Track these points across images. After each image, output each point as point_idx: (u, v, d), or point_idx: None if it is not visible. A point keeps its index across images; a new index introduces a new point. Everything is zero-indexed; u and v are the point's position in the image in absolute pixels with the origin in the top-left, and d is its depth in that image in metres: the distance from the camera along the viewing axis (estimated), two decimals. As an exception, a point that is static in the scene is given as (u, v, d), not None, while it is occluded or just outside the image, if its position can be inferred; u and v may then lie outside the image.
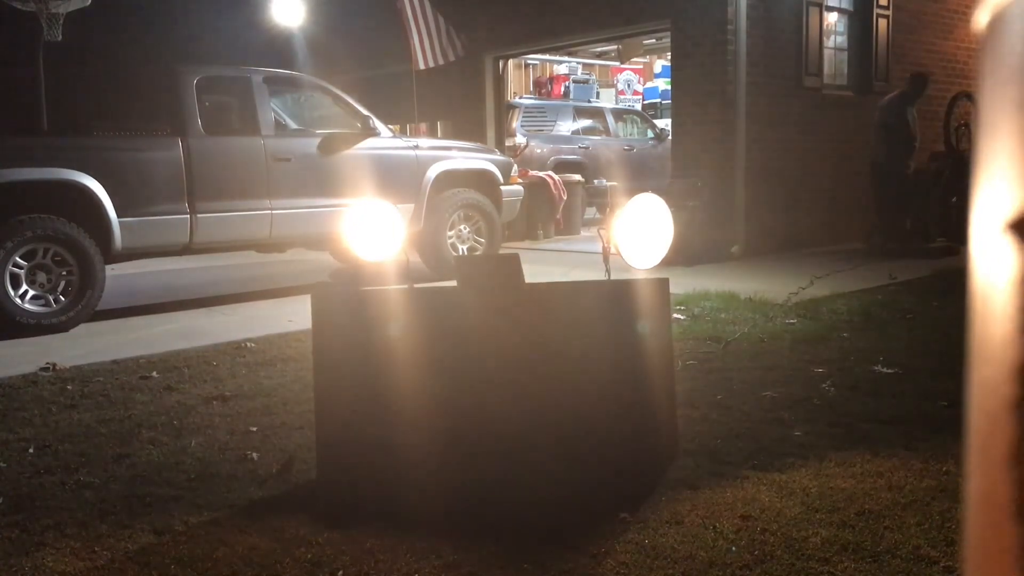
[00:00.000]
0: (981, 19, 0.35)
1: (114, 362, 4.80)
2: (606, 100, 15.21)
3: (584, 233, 11.09)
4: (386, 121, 7.83)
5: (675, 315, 5.23)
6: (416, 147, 7.69)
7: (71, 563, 2.43)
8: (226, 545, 2.58)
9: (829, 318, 5.46)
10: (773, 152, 8.98)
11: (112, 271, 6.50)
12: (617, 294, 3.24)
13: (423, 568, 2.41)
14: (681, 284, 6.31)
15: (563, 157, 12.25)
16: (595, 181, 12.03)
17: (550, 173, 11.18)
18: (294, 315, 5.92)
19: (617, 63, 16.24)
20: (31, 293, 5.65)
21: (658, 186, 10.36)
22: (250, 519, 2.74)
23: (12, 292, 5.55)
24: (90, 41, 11.01)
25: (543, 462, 3.02)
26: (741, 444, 3.22)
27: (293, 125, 7.88)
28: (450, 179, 7.76)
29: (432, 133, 13.45)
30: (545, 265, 7.94)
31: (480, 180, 8.00)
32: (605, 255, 3.43)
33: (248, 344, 5.16)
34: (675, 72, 9.21)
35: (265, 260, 8.87)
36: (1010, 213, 0.32)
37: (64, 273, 5.76)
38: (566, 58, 15.15)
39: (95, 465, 3.19)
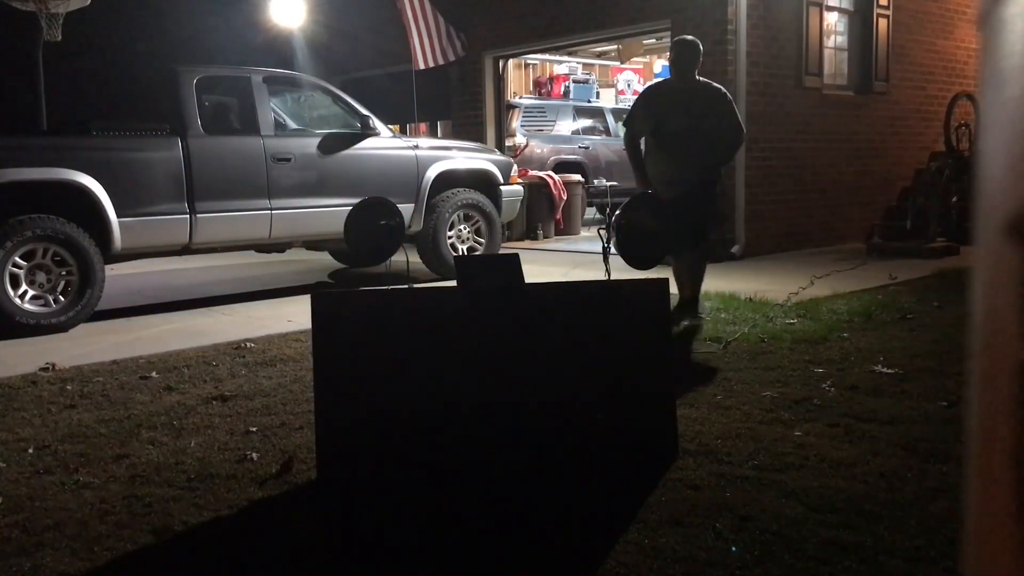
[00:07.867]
0: (981, 19, 0.35)
1: (114, 362, 4.79)
2: (606, 100, 15.19)
3: (584, 233, 11.10)
4: (386, 121, 7.83)
5: (675, 315, 5.22)
6: (416, 147, 7.69)
7: (71, 563, 2.43)
8: (226, 545, 2.58)
9: (829, 318, 5.46)
10: (773, 152, 8.97)
11: (112, 271, 6.49)
12: (616, 294, 3.25)
13: (424, 569, 2.41)
14: (681, 284, 6.30)
15: (563, 157, 12.25)
16: (595, 181, 12.02)
17: (550, 173, 11.19)
18: (294, 315, 5.93)
19: (617, 63, 16.23)
20: (31, 293, 5.65)
21: (658, 186, 10.33)
22: (250, 519, 2.74)
23: (12, 292, 5.54)
24: (90, 41, 11.00)
25: (543, 462, 3.03)
26: (741, 444, 3.21)
27: (293, 125, 7.88)
28: (450, 179, 7.76)
29: (432, 133, 13.45)
30: (545, 265, 7.94)
31: (480, 180, 8.00)
32: (605, 255, 3.43)
33: (248, 344, 5.16)
34: (675, 72, 9.19)
35: (265, 260, 8.87)
36: (1011, 213, 0.32)
37: (64, 273, 5.75)
38: (566, 58, 15.13)
39: (95, 465, 3.19)
